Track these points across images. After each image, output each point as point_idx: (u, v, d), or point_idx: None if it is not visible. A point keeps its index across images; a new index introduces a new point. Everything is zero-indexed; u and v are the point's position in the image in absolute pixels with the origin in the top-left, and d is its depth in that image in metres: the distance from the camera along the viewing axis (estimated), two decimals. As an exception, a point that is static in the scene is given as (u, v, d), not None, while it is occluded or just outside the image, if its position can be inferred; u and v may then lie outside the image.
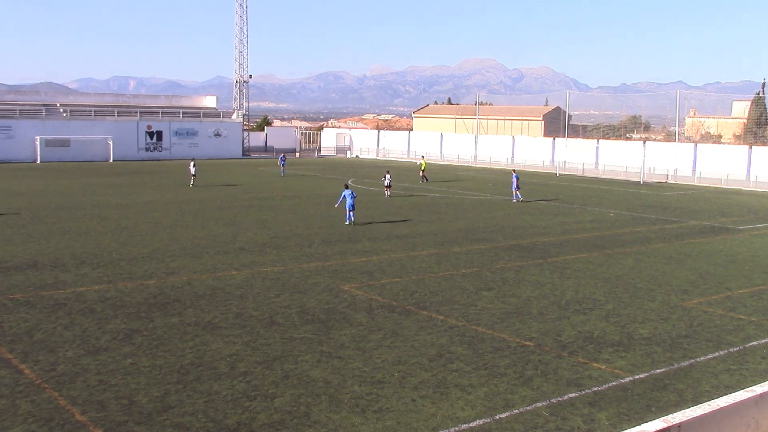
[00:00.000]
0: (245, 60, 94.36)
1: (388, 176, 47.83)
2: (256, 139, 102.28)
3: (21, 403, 12.49)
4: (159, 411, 12.34)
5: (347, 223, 34.02)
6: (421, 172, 60.64)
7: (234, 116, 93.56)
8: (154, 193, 47.14)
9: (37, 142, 75.96)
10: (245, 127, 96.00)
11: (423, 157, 68.67)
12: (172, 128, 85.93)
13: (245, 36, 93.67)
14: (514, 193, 46.82)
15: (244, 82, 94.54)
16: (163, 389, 13.30)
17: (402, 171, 71.09)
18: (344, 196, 34.39)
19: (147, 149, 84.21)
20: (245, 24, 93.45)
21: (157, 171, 66.72)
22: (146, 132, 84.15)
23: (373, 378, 14.14)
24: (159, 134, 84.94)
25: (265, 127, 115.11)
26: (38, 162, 75.14)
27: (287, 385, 13.64)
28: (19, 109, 79.22)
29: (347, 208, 34.16)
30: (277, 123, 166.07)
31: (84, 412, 12.22)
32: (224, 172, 66.22)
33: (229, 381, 13.79)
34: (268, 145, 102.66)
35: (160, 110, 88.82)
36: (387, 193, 47.27)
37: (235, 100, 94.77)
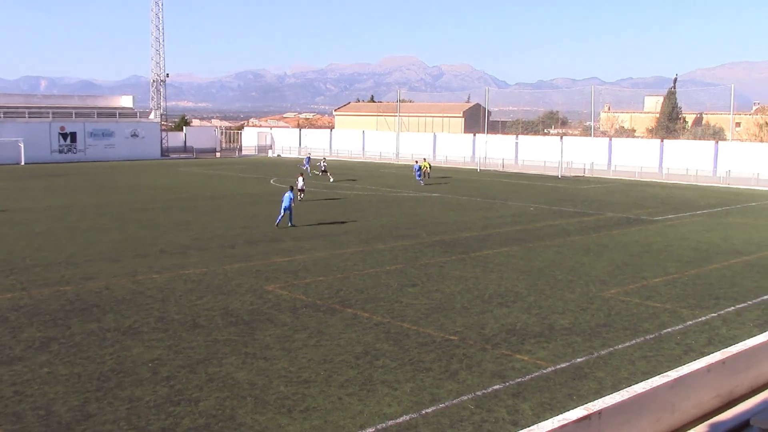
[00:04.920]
0: (162, 58, 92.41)
1: (300, 180, 43.41)
2: (175, 139, 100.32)
3: (-70, 419, 11.96)
4: (78, 420, 12.00)
5: (276, 225, 32.47)
6: (427, 169, 59.43)
7: (151, 116, 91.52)
8: (70, 197, 45.76)
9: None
10: (163, 127, 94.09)
11: (425, 159, 66.31)
12: (87, 129, 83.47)
13: (161, 34, 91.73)
14: (418, 180, 55.84)
15: (161, 81, 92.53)
16: (83, 398, 12.93)
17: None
18: (289, 198, 32.43)
19: (61, 151, 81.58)
20: (161, 22, 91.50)
21: (72, 173, 64.75)
22: (59, 133, 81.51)
23: (299, 378, 14.06)
24: (73, 135, 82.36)
25: (184, 127, 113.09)
26: (-56, 166, 72.08)
27: (212, 389, 13.44)
28: None
29: (282, 210, 32.46)
30: (196, 122, 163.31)
31: (-2, 424, 11.78)
32: (143, 173, 64.80)
33: (151, 386, 13.51)
34: (187, 145, 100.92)
35: (73, 111, 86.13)
36: (300, 196, 42.31)
37: (152, 99, 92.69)
